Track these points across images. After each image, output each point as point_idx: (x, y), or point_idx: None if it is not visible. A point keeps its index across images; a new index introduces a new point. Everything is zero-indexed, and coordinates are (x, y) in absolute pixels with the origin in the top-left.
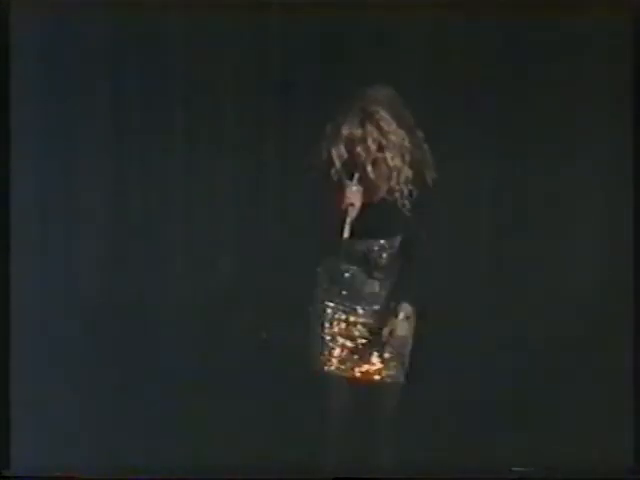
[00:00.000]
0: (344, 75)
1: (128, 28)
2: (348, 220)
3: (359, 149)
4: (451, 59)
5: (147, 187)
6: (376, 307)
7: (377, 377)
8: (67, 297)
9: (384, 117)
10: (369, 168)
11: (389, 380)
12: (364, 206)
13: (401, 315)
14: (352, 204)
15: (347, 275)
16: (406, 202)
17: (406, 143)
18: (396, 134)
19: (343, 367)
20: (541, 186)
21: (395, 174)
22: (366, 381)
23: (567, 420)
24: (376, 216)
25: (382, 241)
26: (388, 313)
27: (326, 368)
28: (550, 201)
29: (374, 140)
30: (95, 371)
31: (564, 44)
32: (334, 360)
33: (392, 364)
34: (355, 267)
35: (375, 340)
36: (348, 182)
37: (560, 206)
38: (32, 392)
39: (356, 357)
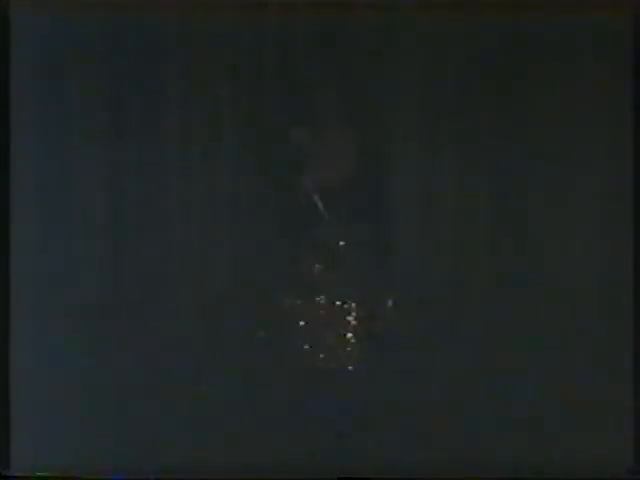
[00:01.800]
0: (344, 75)
1: (127, 28)
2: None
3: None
4: (450, 59)
5: (147, 186)
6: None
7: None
8: (67, 297)
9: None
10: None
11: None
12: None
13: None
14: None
15: (307, 268)
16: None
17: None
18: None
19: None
20: (540, 186)
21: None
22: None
23: (567, 420)
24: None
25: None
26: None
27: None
28: (549, 201)
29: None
30: (95, 371)
31: (564, 44)
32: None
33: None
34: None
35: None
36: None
37: (559, 206)
38: (32, 392)
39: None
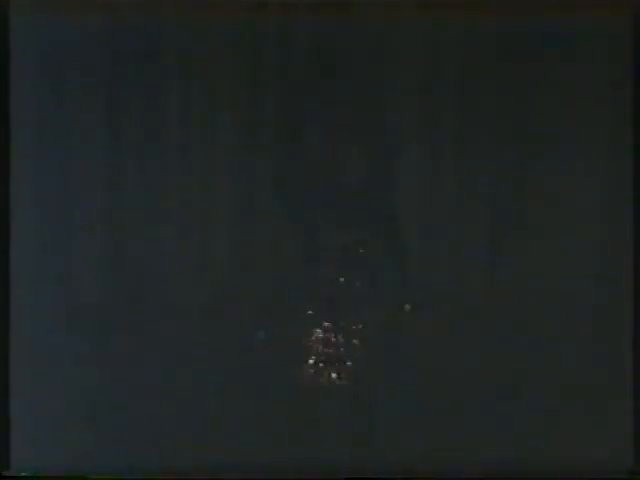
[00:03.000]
0: (344, 75)
1: (127, 28)
2: None
3: None
4: (450, 59)
5: (148, 186)
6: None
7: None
8: (67, 297)
9: None
10: None
11: None
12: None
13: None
14: None
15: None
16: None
17: None
18: None
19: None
20: (540, 186)
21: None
22: None
23: (567, 419)
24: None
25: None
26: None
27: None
28: (549, 201)
29: None
30: (95, 371)
31: (563, 44)
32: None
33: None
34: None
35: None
36: None
37: (559, 206)
38: (32, 392)
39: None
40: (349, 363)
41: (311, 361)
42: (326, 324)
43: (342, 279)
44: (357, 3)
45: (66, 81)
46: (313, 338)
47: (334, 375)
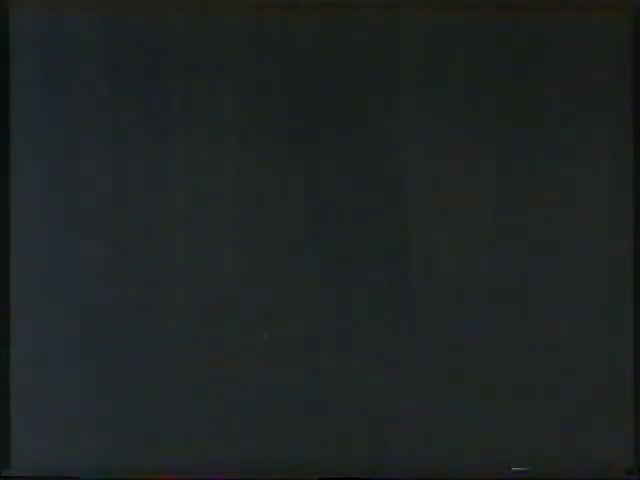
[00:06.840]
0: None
1: (128, 27)
2: None
3: None
4: (450, 59)
5: (148, 186)
6: None
7: None
8: (67, 296)
9: None
10: None
11: None
12: None
13: None
14: None
15: None
16: None
17: None
18: None
19: None
20: (540, 186)
21: None
22: None
23: (567, 420)
24: None
25: None
26: None
27: None
28: (549, 201)
29: None
30: (96, 371)
31: (563, 43)
32: None
33: None
34: None
35: None
36: None
37: (559, 206)
38: (32, 392)
39: None
40: None
41: None
42: None
43: None
44: None
45: (66, 79)
46: None
47: None
